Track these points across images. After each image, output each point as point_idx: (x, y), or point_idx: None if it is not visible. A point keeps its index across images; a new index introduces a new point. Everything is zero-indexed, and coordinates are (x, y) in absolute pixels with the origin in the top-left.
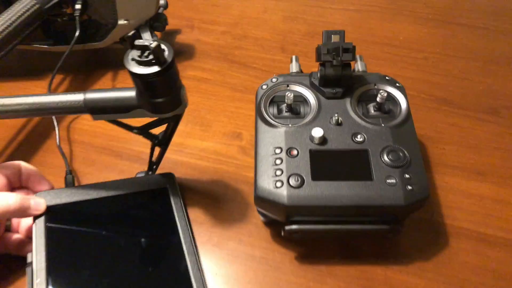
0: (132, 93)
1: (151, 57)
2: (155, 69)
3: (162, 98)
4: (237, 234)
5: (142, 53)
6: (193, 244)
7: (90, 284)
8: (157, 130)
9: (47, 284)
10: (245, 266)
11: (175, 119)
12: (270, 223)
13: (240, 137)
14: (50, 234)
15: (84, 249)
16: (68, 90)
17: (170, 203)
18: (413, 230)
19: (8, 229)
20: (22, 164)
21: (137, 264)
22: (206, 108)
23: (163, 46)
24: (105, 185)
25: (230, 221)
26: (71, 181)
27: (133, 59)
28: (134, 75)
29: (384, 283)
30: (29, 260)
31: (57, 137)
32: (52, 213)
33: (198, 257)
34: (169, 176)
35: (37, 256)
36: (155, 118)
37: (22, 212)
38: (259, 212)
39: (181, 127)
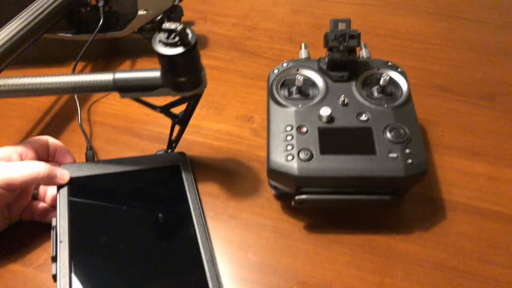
0: (157, 74)
1: (176, 39)
2: (179, 50)
3: (185, 78)
4: (250, 206)
5: (169, 35)
6: (203, 216)
7: (107, 246)
8: (177, 110)
9: (70, 244)
10: (257, 234)
11: (195, 98)
12: (280, 196)
13: (252, 120)
14: (72, 202)
15: (102, 216)
16: None
17: (182, 179)
18: (413, 203)
19: (35, 197)
20: (49, 138)
21: (150, 231)
22: (219, 93)
23: (187, 30)
24: (122, 161)
25: (244, 195)
26: (91, 156)
27: (160, 41)
28: (160, 56)
29: (386, 251)
30: (53, 224)
31: (79, 117)
32: (74, 183)
33: (207, 227)
34: (181, 155)
35: (61, 221)
36: (176, 98)
37: (49, 179)
38: (270, 185)
39: (196, 110)
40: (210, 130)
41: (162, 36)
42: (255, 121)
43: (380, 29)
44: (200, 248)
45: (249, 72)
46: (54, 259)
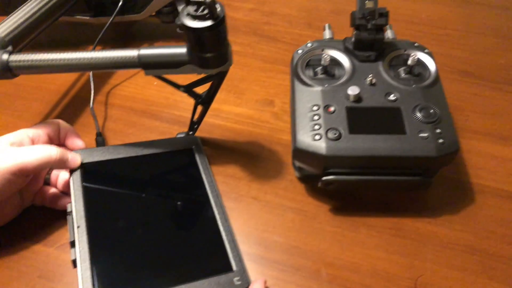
0: (183, 50)
1: (205, 12)
2: (208, 23)
3: (211, 53)
4: (273, 188)
5: (197, 8)
6: (220, 198)
7: (125, 230)
8: (200, 90)
9: (88, 229)
10: (282, 216)
11: (220, 76)
12: (304, 179)
13: (272, 104)
14: (86, 187)
15: (117, 201)
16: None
17: (196, 162)
18: (440, 187)
19: (47, 182)
20: (61, 122)
21: (167, 214)
22: (238, 77)
23: (216, 3)
24: (134, 146)
25: (266, 177)
26: (101, 142)
27: (188, 14)
28: (188, 29)
29: (414, 233)
30: (69, 209)
31: (91, 101)
32: (86, 168)
33: (225, 209)
34: (194, 138)
35: (76, 206)
36: (200, 76)
37: (61, 163)
38: (294, 167)
39: (217, 94)
40: (230, 114)
41: (190, 9)
42: (275, 105)
43: (400, 15)
44: (220, 229)
45: (268, 56)
46: (73, 244)
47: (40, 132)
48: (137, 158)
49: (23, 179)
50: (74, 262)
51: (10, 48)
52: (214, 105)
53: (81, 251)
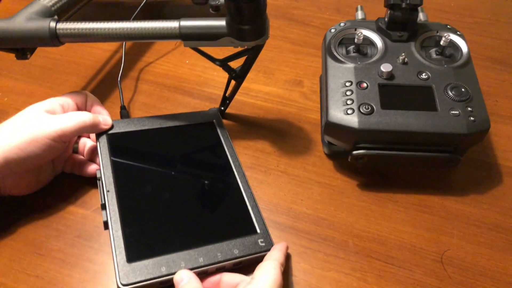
0: (222, 22)
1: None
2: None
3: (249, 25)
4: (302, 163)
5: None
6: (241, 167)
7: (152, 195)
8: (235, 66)
9: (117, 193)
10: (310, 189)
11: (255, 50)
12: (333, 155)
13: (301, 84)
14: (113, 155)
15: (143, 168)
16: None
17: (218, 134)
18: (468, 168)
19: (75, 151)
20: (88, 93)
21: (192, 182)
22: (268, 58)
23: None
24: (158, 118)
25: (295, 153)
26: (125, 114)
27: None
28: (229, 0)
29: (441, 210)
30: (98, 175)
31: (119, 74)
32: (112, 138)
33: (245, 176)
34: (214, 112)
35: (105, 172)
36: (237, 50)
37: (95, 126)
38: (323, 143)
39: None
40: (260, 92)
41: None
42: (304, 85)
43: (430, 3)
44: (243, 195)
45: (298, 39)
46: (103, 207)
47: (69, 101)
48: (161, 129)
49: (61, 145)
50: (105, 224)
51: (56, 17)
52: (244, 84)
53: (112, 213)
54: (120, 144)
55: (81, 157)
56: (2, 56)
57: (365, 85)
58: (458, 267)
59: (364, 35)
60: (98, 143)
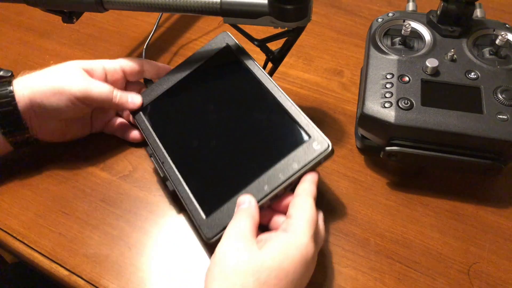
0: (264, 0)
1: None
2: None
3: (292, 5)
4: None
5: None
6: (271, 79)
7: (201, 146)
8: (273, 47)
9: (172, 160)
10: (337, 182)
11: (296, 33)
12: (365, 150)
13: (341, 74)
14: (153, 125)
15: (184, 125)
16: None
17: (236, 55)
18: (510, 177)
19: (119, 114)
20: (145, 63)
21: (232, 115)
22: (310, 45)
23: None
24: (176, 71)
25: None
26: (149, 81)
27: None
28: None
29: (474, 220)
30: (149, 152)
31: (147, 43)
32: (146, 109)
33: (279, 87)
34: (224, 35)
35: (153, 146)
36: (276, 31)
37: (120, 106)
38: (356, 137)
39: (286, 58)
40: (297, 79)
41: None
42: (344, 75)
43: (491, 2)
44: (283, 106)
45: (343, 28)
46: (165, 178)
47: (116, 67)
48: (183, 80)
49: (85, 108)
50: (173, 193)
51: None
52: (282, 68)
53: (175, 182)
54: (155, 113)
55: (124, 121)
56: (54, 21)
57: (407, 79)
58: (486, 282)
59: (412, 27)
60: (136, 121)
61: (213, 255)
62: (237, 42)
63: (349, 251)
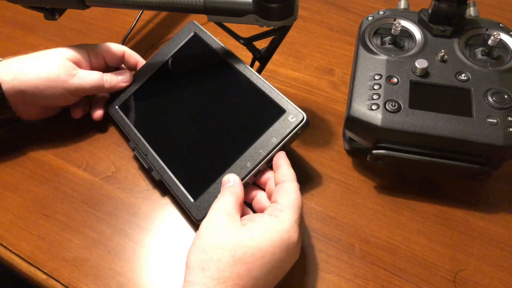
0: None
1: None
2: None
3: (277, 4)
4: (318, 157)
5: None
6: (242, 61)
7: (182, 133)
8: (260, 47)
9: (154, 150)
10: (323, 185)
11: (282, 31)
12: (352, 152)
13: (332, 73)
14: (131, 120)
15: (163, 115)
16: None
17: (205, 42)
18: (500, 182)
19: None
20: (126, 50)
21: (208, 98)
22: (301, 42)
23: None
24: (146, 67)
25: (314, 145)
26: None
27: None
28: None
29: (463, 226)
30: (132, 146)
31: (125, 37)
32: (122, 106)
33: (250, 68)
34: (190, 25)
35: (135, 139)
36: (262, 30)
37: (112, 88)
38: (344, 138)
39: (275, 56)
40: (286, 77)
41: None
42: (335, 74)
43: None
44: (256, 84)
45: (336, 25)
46: (150, 169)
47: (98, 53)
48: (156, 74)
49: (76, 97)
50: (160, 182)
51: None
52: (271, 66)
53: (160, 171)
54: (132, 108)
55: (97, 96)
56: (41, 16)
57: (395, 80)
58: None
59: (402, 26)
60: (114, 118)
61: (198, 230)
62: (204, 29)
63: (333, 257)
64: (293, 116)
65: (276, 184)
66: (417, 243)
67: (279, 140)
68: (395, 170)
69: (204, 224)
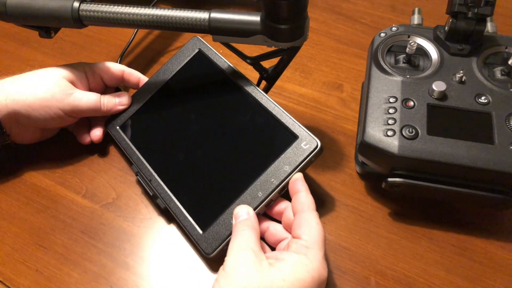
0: (256, 18)
1: None
2: None
3: (286, 25)
4: (329, 180)
5: None
6: (251, 82)
7: (188, 160)
8: (267, 65)
9: (159, 176)
10: (335, 212)
11: (291, 52)
12: (365, 176)
13: (341, 89)
14: (134, 143)
15: (167, 138)
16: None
17: (211, 61)
18: None
19: None
20: (125, 69)
21: (216, 123)
22: (308, 56)
23: None
24: (149, 84)
25: (324, 168)
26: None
27: None
28: None
29: (483, 257)
30: (135, 170)
31: (121, 55)
32: (124, 127)
33: (260, 90)
34: (194, 41)
35: (138, 163)
36: (270, 49)
37: (109, 111)
38: (356, 162)
39: None
40: (293, 94)
41: None
42: (344, 90)
43: (501, 8)
44: (267, 109)
45: (344, 37)
46: (155, 196)
47: (96, 72)
48: (160, 91)
49: (72, 119)
50: (165, 210)
51: None
52: (278, 82)
53: (165, 198)
54: (134, 129)
55: (86, 121)
56: None
57: (411, 103)
58: None
59: (418, 44)
60: (115, 139)
61: (222, 269)
62: (209, 46)
63: None
64: (307, 143)
65: (294, 212)
66: (436, 276)
67: (292, 169)
68: (411, 197)
69: (230, 263)
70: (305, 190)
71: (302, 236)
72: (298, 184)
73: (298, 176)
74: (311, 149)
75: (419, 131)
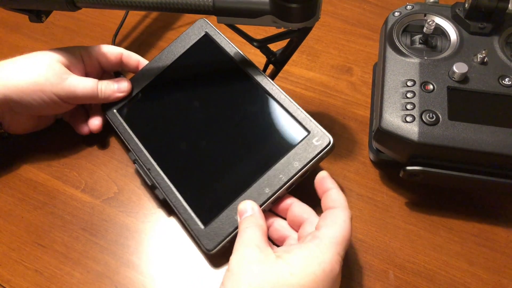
0: None
1: None
2: None
3: (297, 4)
4: (342, 169)
5: None
6: (258, 68)
7: (190, 149)
8: (275, 48)
9: (159, 166)
10: (350, 202)
11: (302, 33)
12: (380, 164)
13: (350, 72)
14: (133, 129)
15: (168, 126)
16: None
17: (217, 45)
18: None
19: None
20: (124, 52)
21: (222, 111)
22: (314, 37)
23: None
24: (151, 65)
25: (335, 156)
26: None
27: None
28: None
29: (506, 247)
30: (132, 158)
31: (115, 34)
32: (122, 111)
33: (270, 80)
34: (201, 23)
35: (136, 150)
36: (279, 31)
37: (107, 98)
38: (370, 149)
39: None
40: (301, 78)
41: None
42: (354, 74)
43: None
44: (279, 101)
45: (351, 17)
46: (154, 187)
47: (93, 56)
48: (162, 74)
49: (69, 106)
50: (164, 201)
51: None
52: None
53: (165, 189)
54: (133, 114)
55: (83, 110)
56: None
57: (431, 87)
58: None
59: (436, 23)
60: (111, 123)
61: (227, 268)
62: (216, 29)
63: (365, 286)
64: (319, 138)
65: (324, 210)
66: (457, 268)
67: (302, 165)
68: (430, 185)
69: (234, 261)
70: (336, 187)
71: (321, 228)
72: (327, 182)
73: (325, 174)
74: (323, 146)
75: (440, 117)
